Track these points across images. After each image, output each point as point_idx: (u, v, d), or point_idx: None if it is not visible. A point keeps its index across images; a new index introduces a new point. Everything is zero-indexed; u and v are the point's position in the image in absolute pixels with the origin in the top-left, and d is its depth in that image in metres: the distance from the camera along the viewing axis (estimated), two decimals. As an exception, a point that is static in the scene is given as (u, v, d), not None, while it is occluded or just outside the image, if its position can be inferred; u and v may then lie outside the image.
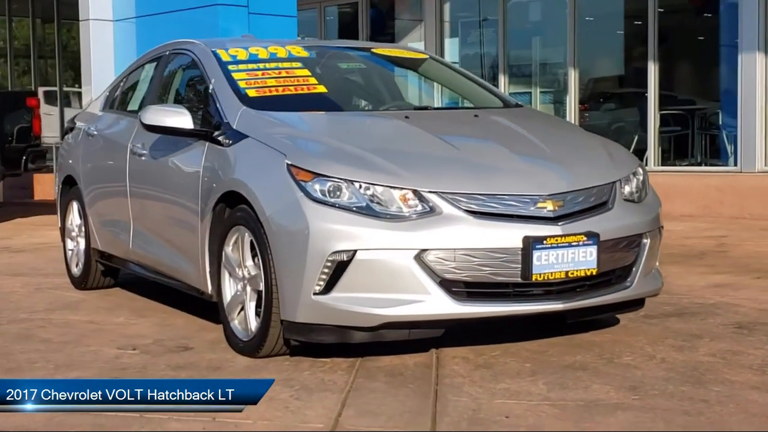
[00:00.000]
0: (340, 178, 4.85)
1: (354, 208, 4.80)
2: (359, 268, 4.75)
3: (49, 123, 17.85)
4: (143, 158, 6.41)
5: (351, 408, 4.35)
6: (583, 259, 4.87)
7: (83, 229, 7.52)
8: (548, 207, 4.87)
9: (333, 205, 4.81)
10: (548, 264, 4.79)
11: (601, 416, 4.18)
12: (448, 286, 4.75)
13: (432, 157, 5.10)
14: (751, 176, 12.12)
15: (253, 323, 5.25)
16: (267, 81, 5.94)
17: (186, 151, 5.88)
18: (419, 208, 4.79)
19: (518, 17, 14.31)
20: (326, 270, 4.78)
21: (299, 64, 6.23)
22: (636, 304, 5.42)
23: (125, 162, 6.65)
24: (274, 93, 5.87)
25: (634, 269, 5.22)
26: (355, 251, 4.74)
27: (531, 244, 4.74)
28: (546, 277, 4.80)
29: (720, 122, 13.64)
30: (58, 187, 8.06)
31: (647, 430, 4.02)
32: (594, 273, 4.92)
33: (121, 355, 5.48)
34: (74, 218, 7.68)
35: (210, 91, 5.91)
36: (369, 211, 4.78)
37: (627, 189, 5.29)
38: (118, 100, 7.52)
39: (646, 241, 5.27)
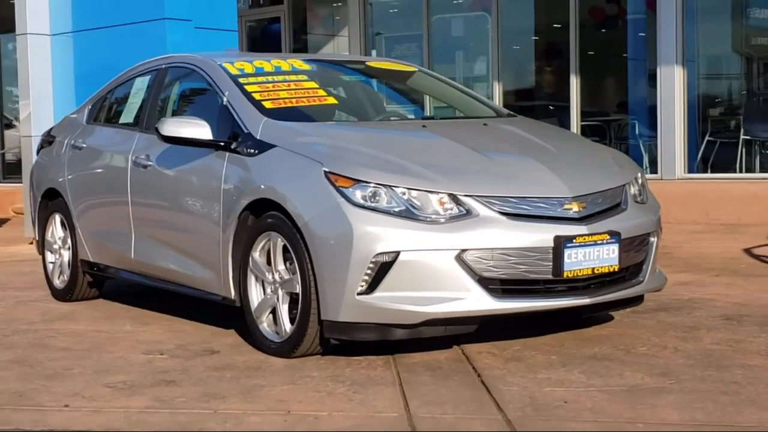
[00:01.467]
0: (380, 184, 5.15)
1: (393, 212, 5.09)
2: (402, 268, 5.05)
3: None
4: (148, 169, 6.58)
5: (413, 399, 4.63)
6: (607, 257, 5.25)
7: (68, 241, 7.62)
8: (574, 208, 5.24)
9: (374, 210, 5.10)
10: (577, 261, 5.16)
11: (651, 399, 4.55)
12: (486, 283, 5.09)
13: (462, 163, 5.43)
14: (673, 183, 12.66)
15: (287, 325, 5.49)
16: (279, 93, 6.19)
17: (202, 161, 6.09)
18: (455, 210, 5.11)
19: (442, 32, 14.73)
20: (369, 271, 5.07)
21: (305, 77, 6.50)
22: (639, 299, 5.82)
23: (125, 173, 6.81)
24: (289, 104, 6.12)
25: (644, 266, 5.63)
26: (399, 252, 5.04)
27: (562, 243, 5.11)
28: (575, 274, 5.17)
29: (636, 132, 14.20)
30: (34, 201, 8.12)
31: (700, 407, 4.39)
32: (616, 269, 5.32)
33: (153, 360, 5.67)
34: (56, 231, 7.78)
35: (224, 103, 6.13)
36: (409, 214, 5.09)
37: (633, 191, 5.70)
38: (106, 113, 7.65)
39: (653, 240, 5.70)
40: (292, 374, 5.19)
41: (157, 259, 6.59)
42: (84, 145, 7.48)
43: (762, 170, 13.06)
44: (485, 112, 6.78)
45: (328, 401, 4.67)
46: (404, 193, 5.14)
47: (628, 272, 5.50)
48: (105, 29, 11.56)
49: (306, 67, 6.67)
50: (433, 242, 5.05)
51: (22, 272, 9.50)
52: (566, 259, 5.13)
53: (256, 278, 5.74)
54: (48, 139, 8.10)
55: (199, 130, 5.97)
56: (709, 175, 12.96)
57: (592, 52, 14.34)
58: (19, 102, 12.41)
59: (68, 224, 7.58)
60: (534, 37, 15.07)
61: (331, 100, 6.39)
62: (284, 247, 5.50)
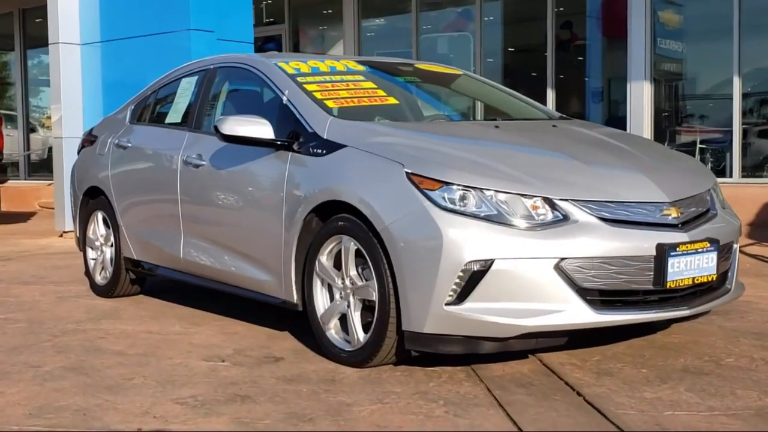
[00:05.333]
0: (469, 186, 3.95)
1: (485, 217, 3.89)
2: (496, 277, 3.85)
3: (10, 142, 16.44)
4: (201, 168, 5.33)
5: (526, 425, 3.47)
6: (706, 265, 4.11)
7: (110, 238, 6.33)
8: (672, 214, 4.08)
9: (463, 214, 3.90)
10: (679, 271, 4.01)
11: (790, 426, 3.39)
12: (585, 294, 3.91)
13: (551, 165, 4.25)
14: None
15: (360, 333, 4.29)
16: (339, 92, 4.97)
17: (262, 161, 4.87)
18: (550, 216, 3.93)
19: (429, 51, 13.50)
20: (459, 280, 3.88)
21: (361, 77, 5.28)
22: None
23: (174, 172, 5.55)
24: (352, 104, 4.90)
25: (729, 274, 4.50)
26: (493, 260, 3.85)
27: (666, 251, 3.95)
28: (677, 284, 4.01)
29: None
30: (75, 199, 6.82)
31: None
32: (714, 279, 4.17)
33: (216, 368, 4.43)
34: (98, 228, 6.49)
35: (284, 102, 4.90)
36: (501, 219, 3.90)
37: (717, 196, 4.57)
38: (150, 113, 6.37)
39: (736, 246, 4.57)
40: (373, 389, 3.98)
41: (209, 259, 5.33)
42: (129, 144, 6.19)
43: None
44: (538, 114, 5.57)
45: (431, 426, 3.46)
46: (495, 197, 3.94)
47: (715, 281, 4.34)
48: (132, 39, 10.25)
49: (360, 67, 5.45)
50: (531, 250, 3.85)
51: (57, 266, 8.16)
52: (669, 269, 3.97)
53: (322, 282, 4.52)
54: (89, 139, 6.79)
55: (262, 128, 4.74)
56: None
57: (569, 70, 13.21)
58: (51, 106, 11.02)
59: (111, 222, 6.29)
60: (515, 55, 13.87)
61: (392, 100, 5.17)
62: (357, 252, 4.28)
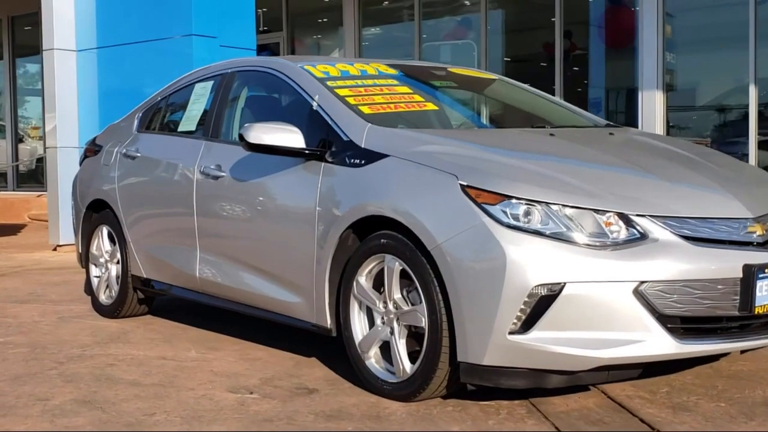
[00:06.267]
0: (533, 200, 3.50)
1: (552, 235, 3.44)
2: (568, 303, 3.40)
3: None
4: (220, 180, 4.86)
5: (614, 473, 2.99)
6: (793, 289, 3.64)
7: (117, 255, 5.84)
8: (757, 231, 3.65)
9: (527, 231, 3.45)
10: (766, 294, 3.55)
11: None
12: (666, 322, 3.46)
13: (622, 177, 3.80)
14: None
15: (406, 364, 3.83)
16: (374, 98, 4.52)
17: (291, 172, 4.41)
18: (625, 233, 3.48)
19: (432, 59, 13.05)
20: (525, 306, 3.42)
21: (395, 81, 4.83)
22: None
23: (190, 184, 5.08)
24: (389, 110, 4.46)
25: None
26: (563, 284, 3.39)
27: (754, 273, 3.51)
28: (765, 309, 3.55)
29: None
30: (77, 212, 6.33)
31: None
32: (800, 303, 3.70)
33: (244, 401, 3.96)
34: (103, 244, 6.00)
35: (314, 108, 4.45)
36: (570, 237, 3.45)
37: None
38: (160, 121, 5.89)
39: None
40: (425, 427, 3.53)
41: (228, 278, 4.86)
42: (138, 154, 5.71)
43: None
44: (583, 122, 5.11)
45: (508, 476, 3.00)
46: (563, 212, 3.48)
47: (794, 306, 3.90)
48: (130, 45, 9.76)
49: (392, 71, 4.99)
50: (607, 272, 3.40)
51: (54, 282, 7.66)
52: (758, 292, 3.53)
53: (360, 306, 4.07)
54: (93, 148, 6.30)
55: (292, 137, 4.29)
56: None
57: (575, 79, 12.81)
58: (45, 115, 10.51)
59: (117, 237, 5.81)
60: (522, 63, 13.46)
61: (431, 106, 4.72)
62: (402, 273, 3.82)
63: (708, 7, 11.61)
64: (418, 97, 4.68)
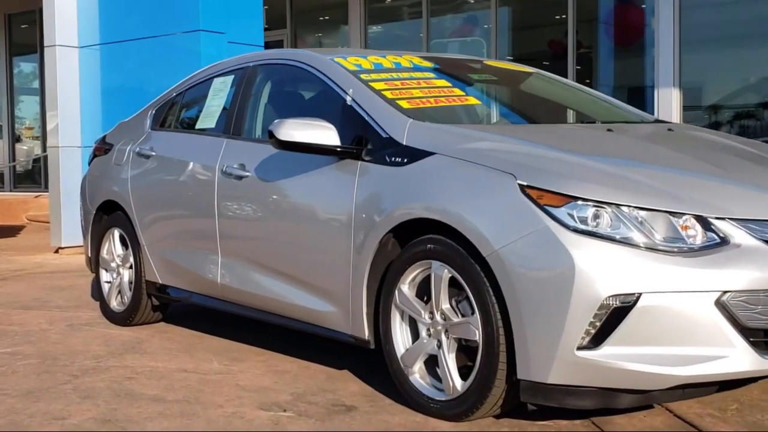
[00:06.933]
0: (602, 202, 3.17)
1: (621, 239, 3.10)
2: (643, 316, 3.07)
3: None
4: (244, 180, 4.52)
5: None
6: None
7: (129, 259, 5.49)
8: (842, 236, 3.29)
9: (597, 236, 3.11)
10: None
11: None
12: (748, 335, 3.13)
13: (696, 177, 3.47)
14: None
15: (457, 380, 3.50)
16: (412, 92, 4.18)
17: (324, 171, 4.07)
18: (703, 238, 3.16)
19: (440, 56, 12.72)
20: (596, 319, 3.09)
21: (432, 75, 4.49)
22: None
23: (211, 185, 4.74)
24: (429, 104, 4.11)
25: None
26: (639, 295, 3.06)
27: (842, 282, 3.16)
28: None
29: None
30: (86, 214, 5.98)
31: None
32: None
33: (278, 420, 3.63)
34: (114, 247, 5.65)
35: (348, 103, 4.10)
36: (644, 242, 3.11)
37: None
38: (176, 118, 5.54)
39: None
40: (485, 451, 3.17)
41: (254, 285, 4.52)
42: (153, 153, 5.36)
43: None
44: (630, 117, 4.77)
45: None
46: (635, 215, 3.15)
47: None
48: (135, 41, 9.39)
49: (427, 63, 4.66)
50: (686, 281, 3.07)
51: (60, 287, 7.31)
52: None
53: (402, 316, 3.73)
54: (103, 147, 5.95)
55: (326, 134, 3.95)
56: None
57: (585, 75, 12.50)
58: (47, 113, 10.14)
59: (131, 240, 5.46)
60: (532, 63, 13.14)
61: (473, 101, 4.38)
62: (451, 281, 3.49)
63: (727, 3, 11.32)
64: (457, 91, 4.35)
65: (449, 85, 4.38)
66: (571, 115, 4.74)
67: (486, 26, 12.36)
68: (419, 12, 12.72)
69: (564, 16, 12.04)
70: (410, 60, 4.63)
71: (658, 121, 4.75)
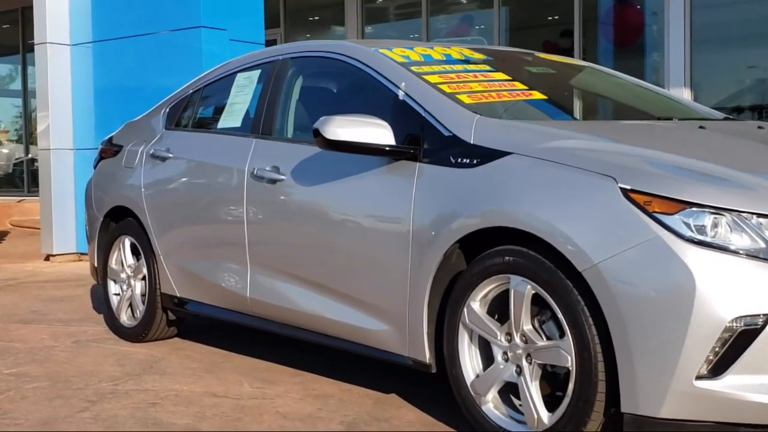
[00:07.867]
0: (721, 208, 2.72)
1: (746, 252, 2.66)
2: (773, 340, 2.61)
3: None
4: (278, 185, 4.04)
5: None
6: None
7: (142, 270, 5.00)
8: None
9: (718, 248, 2.67)
10: None
11: None
12: None
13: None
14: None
15: (542, 412, 3.04)
16: (471, 85, 3.73)
17: (375, 174, 3.61)
18: None
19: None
20: (718, 345, 2.63)
21: (488, 67, 4.03)
22: None
23: (240, 189, 4.25)
24: (492, 99, 3.65)
25: None
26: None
27: None
28: None
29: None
30: (92, 221, 5.47)
31: None
32: None
33: (336, 457, 3.13)
34: (124, 257, 5.15)
35: (401, 98, 3.63)
36: (772, 255, 2.67)
37: None
38: (194, 116, 5.05)
39: None
40: (588, 496, 2.71)
41: (289, 300, 4.05)
42: (169, 155, 4.87)
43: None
44: (698, 114, 4.32)
45: None
46: (758, 222, 2.70)
47: None
48: (130, 38, 8.86)
49: (479, 56, 4.21)
50: (824, 302, 2.62)
51: (57, 297, 6.79)
52: None
53: (471, 337, 3.26)
54: (111, 149, 5.44)
55: (380, 132, 3.49)
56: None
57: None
58: (38, 114, 9.58)
59: (143, 249, 4.96)
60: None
61: (538, 95, 3.91)
62: (534, 298, 3.03)
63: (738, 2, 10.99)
64: (519, 85, 3.88)
65: (509, 78, 3.92)
66: (645, 111, 4.29)
67: (489, 26, 11.95)
68: (418, 12, 12.28)
69: (557, 17, 11.70)
70: (460, 52, 4.18)
71: (727, 118, 4.31)
